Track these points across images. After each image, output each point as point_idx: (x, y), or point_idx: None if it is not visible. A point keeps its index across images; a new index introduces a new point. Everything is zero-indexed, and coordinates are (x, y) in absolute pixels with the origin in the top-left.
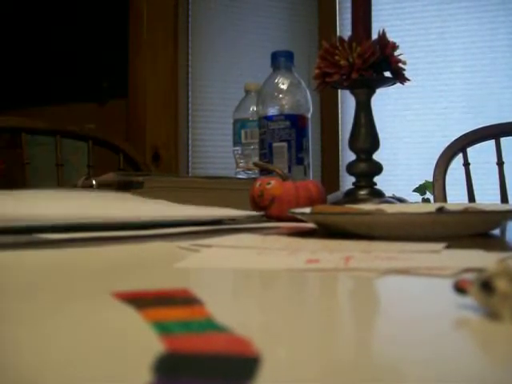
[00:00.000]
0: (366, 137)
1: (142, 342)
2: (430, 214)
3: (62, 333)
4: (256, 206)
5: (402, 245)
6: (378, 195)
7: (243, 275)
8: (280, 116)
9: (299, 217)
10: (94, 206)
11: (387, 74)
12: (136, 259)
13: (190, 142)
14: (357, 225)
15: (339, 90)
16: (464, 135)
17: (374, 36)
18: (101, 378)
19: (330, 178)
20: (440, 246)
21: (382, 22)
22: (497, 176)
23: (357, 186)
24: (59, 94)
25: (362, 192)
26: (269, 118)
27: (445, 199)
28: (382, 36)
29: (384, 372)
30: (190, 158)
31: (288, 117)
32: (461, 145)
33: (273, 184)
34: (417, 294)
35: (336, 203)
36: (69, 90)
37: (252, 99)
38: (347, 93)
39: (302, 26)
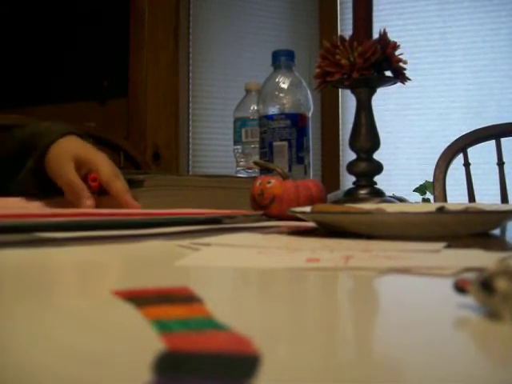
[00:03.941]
0: (367, 136)
1: (142, 340)
2: (430, 213)
3: (62, 331)
4: (256, 204)
5: (402, 244)
6: (378, 194)
7: (243, 274)
8: (280, 115)
9: (299, 216)
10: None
11: (388, 73)
12: (136, 258)
13: (190, 140)
14: (357, 224)
15: (340, 90)
16: (464, 135)
17: (375, 35)
18: (100, 376)
19: (330, 177)
20: (440, 245)
21: (383, 21)
22: (497, 176)
23: (357, 185)
24: (60, 92)
25: (362, 191)
26: (269, 117)
27: (445, 199)
28: (383, 35)
29: (384, 372)
30: (190, 157)
31: (288, 116)
32: (461, 145)
33: (273, 183)
34: (417, 294)
35: (336, 202)
36: (69, 88)
37: (253, 98)
38: (348, 92)
39: (303, 25)
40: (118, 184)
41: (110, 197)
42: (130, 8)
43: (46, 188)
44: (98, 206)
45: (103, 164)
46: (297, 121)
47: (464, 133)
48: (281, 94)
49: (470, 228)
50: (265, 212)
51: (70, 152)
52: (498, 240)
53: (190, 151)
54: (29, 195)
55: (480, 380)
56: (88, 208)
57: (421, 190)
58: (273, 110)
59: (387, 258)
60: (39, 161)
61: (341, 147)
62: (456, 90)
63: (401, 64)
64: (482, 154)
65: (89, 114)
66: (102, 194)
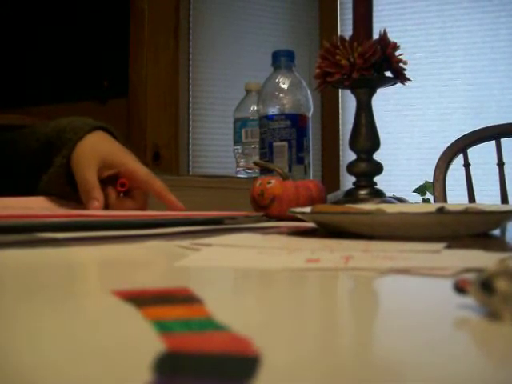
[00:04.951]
0: (367, 137)
1: (142, 340)
2: (430, 214)
3: (62, 331)
4: (256, 205)
5: (402, 244)
6: (378, 195)
7: (243, 274)
8: (280, 115)
9: (299, 216)
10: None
11: (388, 73)
12: (136, 258)
13: (190, 141)
14: (357, 224)
15: (340, 90)
16: (464, 136)
17: (375, 36)
18: (100, 377)
19: (330, 178)
20: (440, 245)
21: (383, 22)
22: (497, 177)
23: (357, 185)
24: (60, 92)
25: (363, 192)
26: (269, 118)
27: (445, 200)
28: (383, 36)
29: (384, 372)
30: (190, 157)
31: (288, 116)
32: (461, 145)
33: (273, 183)
34: (417, 294)
35: (336, 203)
36: (69, 88)
37: (253, 98)
38: (348, 92)
39: (303, 25)
40: (158, 184)
41: (134, 200)
42: (130, 8)
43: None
44: (121, 207)
45: (137, 164)
46: (297, 121)
47: (464, 133)
48: (281, 95)
49: (470, 228)
50: (265, 212)
51: (95, 152)
52: (498, 240)
53: (190, 151)
54: (58, 195)
55: (480, 380)
56: (94, 209)
57: (421, 190)
58: (273, 111)
59: (387, 258)
60: (68, 158)
61: (341, 147)
62: (456, 90)
63: (401, 64)
64: (482, 154)
65: (89, 113)
66: (125, 194)
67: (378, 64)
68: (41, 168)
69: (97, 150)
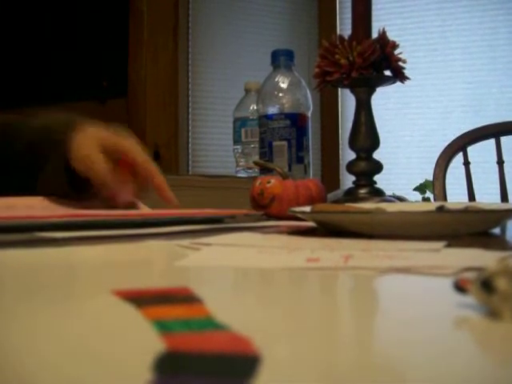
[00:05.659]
0: (366, 135)
1: (143, 340)
2: (430, 212)
3: (62, 331)
4: (256, 204)
5: (402, 243)
6: (378, 194)
7: (243, 273)
8: (280, 115)
9: (299, 215)
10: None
11: (387, 72)
12: (136, 257)
13: (190, 140)
14: (357, 223)
15: (339, 89)
16: (464, 134)
17: (375, 35)
18: (100, 377)
19: (330, 177)
20: (440, 244)
21: (382, 20)
22: (497, 175)
23: (357, 184)
24: (60, 92)
25: (362, 191)
26: (269, 117)
27: (445, 198)
28: (383, 35)
29: (384, 371)
30: (190, 157)
31: (288, 115)
32: (461, 144)
33: (273, 183)
34: (417, 293)
35: (336, 202)
36: (69, 88)
37: (252, 98)
38: (347, 91)
39: (303, 24)
40: (159, 179)
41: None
42: (129, 8)
43: (79, 185)
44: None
45: (139, 151)
46: (296, 120)
47: (464, 131)
48: (280, 94)
49: (470, 227)
50: (265, 212)
51: (94, 138)
52: (498, 239)
53: (190, 151)
54: (60, 195)
55: (480, 379)
56: (105, 178)
57: (421, 188)
58: (272, 110)
59: (387, 257)
60: (66, 158)
61: (340, 146)
62: (455, 88)
63: (400, 63)
64: (482, 152)
65: (88, 113)
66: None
67: (377, 63)
68: (38, 167)
69: (95, 135)
